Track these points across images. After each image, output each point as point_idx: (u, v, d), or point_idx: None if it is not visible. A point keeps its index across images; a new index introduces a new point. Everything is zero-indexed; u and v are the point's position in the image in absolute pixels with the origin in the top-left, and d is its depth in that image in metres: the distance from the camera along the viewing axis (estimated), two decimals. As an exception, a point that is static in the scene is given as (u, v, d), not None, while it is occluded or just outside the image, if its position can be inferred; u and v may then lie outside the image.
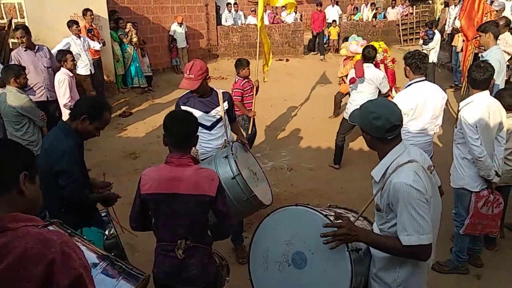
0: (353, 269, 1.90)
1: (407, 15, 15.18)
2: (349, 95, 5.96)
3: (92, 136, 2.60)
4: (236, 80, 5.52)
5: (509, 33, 5.92)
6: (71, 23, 7.06)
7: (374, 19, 15.42)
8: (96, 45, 7.81)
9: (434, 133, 3.99)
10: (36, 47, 5.92)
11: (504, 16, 6.51)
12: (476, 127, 3.20)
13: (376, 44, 5.94)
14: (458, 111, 3.44)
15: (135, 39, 9.38)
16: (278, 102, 9.05)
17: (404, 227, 1.84)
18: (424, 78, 3.82)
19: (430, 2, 16.81)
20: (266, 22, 12.98)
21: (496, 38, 4.84)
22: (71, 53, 5.70)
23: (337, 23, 14.16)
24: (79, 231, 2.15)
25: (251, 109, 5.48)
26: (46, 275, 1.19)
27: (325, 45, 13.90)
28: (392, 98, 5.41)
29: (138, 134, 7.45)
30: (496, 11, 6.69)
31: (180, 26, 11.25)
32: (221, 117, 3.48)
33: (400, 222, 1.86)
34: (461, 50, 7.99)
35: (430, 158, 3.55)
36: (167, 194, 2.18)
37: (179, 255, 2.23)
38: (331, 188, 5.32)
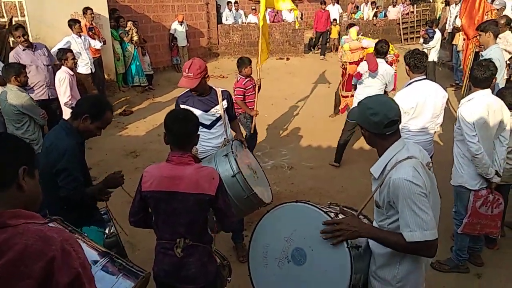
0: (353, 266, 1.90)
1: (407, 14, 15.18)
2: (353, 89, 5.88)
3: (94, 135, 2.60)
4: (238, 78, 5.48)
5: (509, 31, 5.90)
6: (73, 22, 7.02)
7: (374, 18, 15.41)
8: (96, 44, 7.81)
9: (435, 132, 3.99)
10: (34, 46, 5.91)
11: (504, 15, 6.48)
12: (474, 124, 3.19)
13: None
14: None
15: (135, 38, 9.38)
16: (279, 101, 9.04)
17: (406, 223, 1.82)
18: (424, 77, 3.81)
19: (431, 0, 16.76)
20: (267, 21, 12.91)
21: (495, 37, 4.84)
22: (71, 51, 5.69)
23: (338, 22, 14.12)
24: (79, 230, 2.14)
25: (253, 108, 5.44)
26: (46, 273, 1.19)
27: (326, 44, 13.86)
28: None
29: (139, 133, 7.45)
30: (497, 9, 6.67)
31: (181, 25, 11.24)
32: (220, 116, 3.48)
33: (402, 218, 1.84)
34: (462, 49, 7.97)
35: (431, 157, 3.56)
36: (167, 192, 2.19)
37: (177, 254, 2.23)
38: (332, 186, 5.33)
